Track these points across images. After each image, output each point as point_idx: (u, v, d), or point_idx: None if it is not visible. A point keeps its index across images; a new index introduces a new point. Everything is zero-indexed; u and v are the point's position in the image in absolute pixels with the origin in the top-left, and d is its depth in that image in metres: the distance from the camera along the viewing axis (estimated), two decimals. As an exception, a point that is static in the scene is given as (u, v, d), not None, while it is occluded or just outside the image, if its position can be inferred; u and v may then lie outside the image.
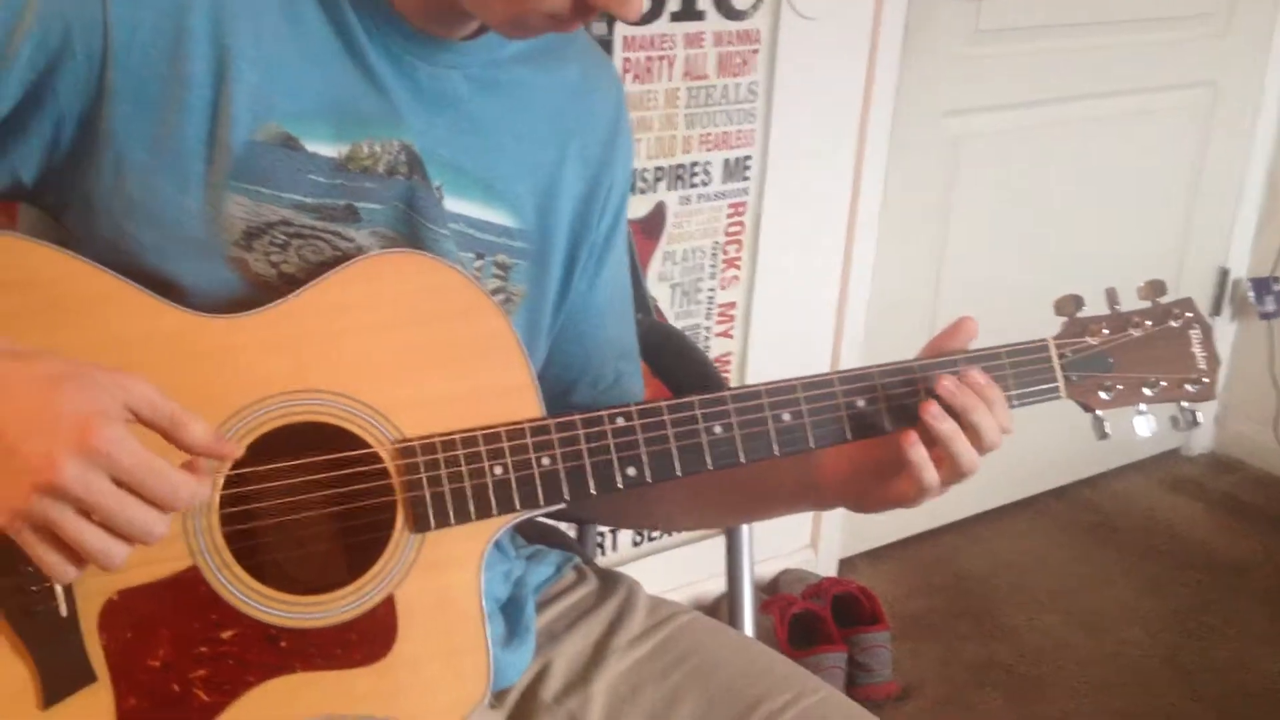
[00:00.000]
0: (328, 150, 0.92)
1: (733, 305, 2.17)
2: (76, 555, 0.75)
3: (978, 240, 2.50)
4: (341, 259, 0.92)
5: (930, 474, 0.94)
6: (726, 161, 2.06)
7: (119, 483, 0.74)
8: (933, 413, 0.94)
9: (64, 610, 0.83)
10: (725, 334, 2.18)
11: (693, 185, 2.04)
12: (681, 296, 2.10)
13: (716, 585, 2.20)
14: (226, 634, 0.87)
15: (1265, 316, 2.90)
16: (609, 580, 1.17)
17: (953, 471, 0.95)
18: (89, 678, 0.84)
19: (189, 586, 0.86)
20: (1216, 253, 2.94)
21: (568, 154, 1.04)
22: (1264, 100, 2.85)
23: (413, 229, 0.96)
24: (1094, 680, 2.28)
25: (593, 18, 0.90)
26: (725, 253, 2.12)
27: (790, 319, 2.24)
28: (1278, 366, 2.82)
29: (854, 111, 2.20)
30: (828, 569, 2.47)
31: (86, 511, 0.73)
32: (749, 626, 1.22)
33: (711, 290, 2.13)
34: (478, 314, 0.95)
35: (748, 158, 2.08)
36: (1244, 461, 3.08)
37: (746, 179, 2.10)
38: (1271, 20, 2.77)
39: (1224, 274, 2.96)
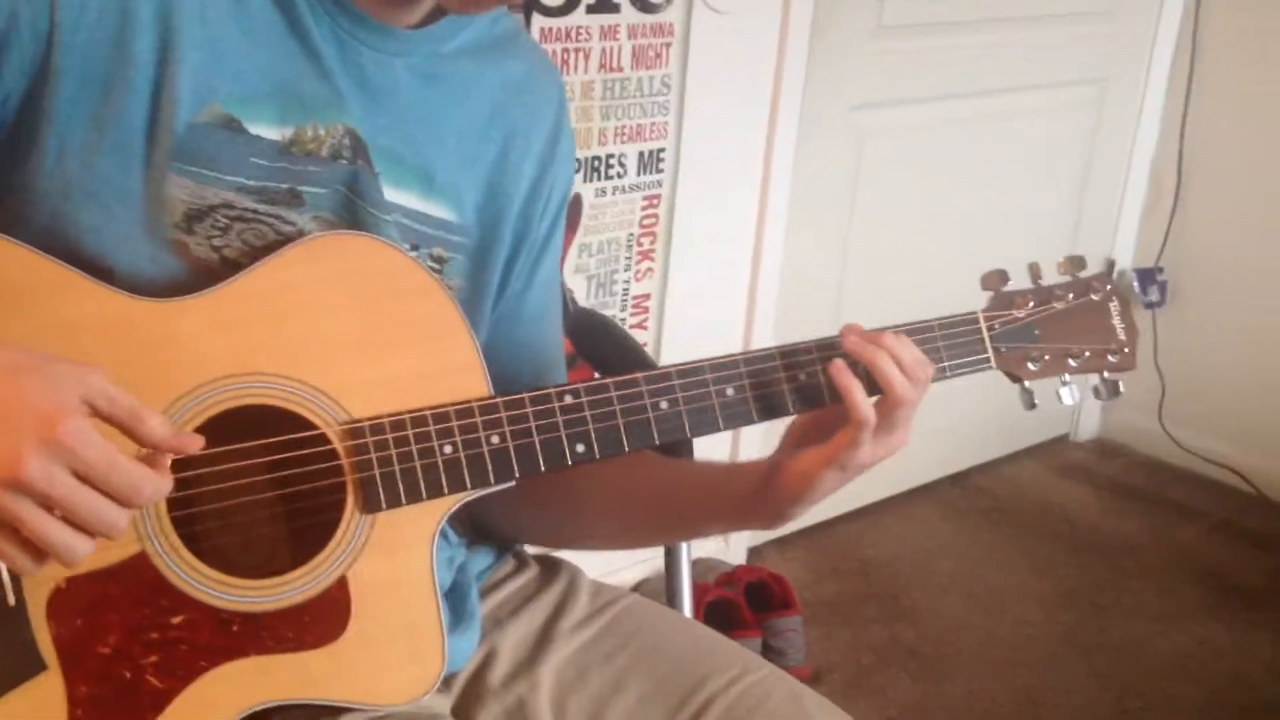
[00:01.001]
0: (271, 133, 0.92)
1: (647, 297, 2.19)
2: (37, 549, 0.74)
3: (881, 230, 2.56)
4: (283, 243, 0.92)
5: (863, 402, 0.94)
6: (641, 154, 2.08)
7: (81, 477, 0.73)
8: (851, 340, 0.97)
9: (11, 599, 0.81)
10: (640, 325, 2.20)
11: (608, 177, 2.05)
12: (597, 288, 2.11)
13: (638, 572, 2.22)
14: (177, 619, 0.86)
15: (1149, 306, 2.98)
16: (550, 566, 1.18)
17: (886, 405, 0.96)
18: (39, 666, 0.82)
19: (137, 572, 0.85)
20: (1104, 243, 3.04)
21: (511, 150, 1.04)
22: (1147, 97, 2.95)
23: (355, 214, 0.96)
24: (996, 660, 2.35)
25: None
26: (640, 244, 2.14)
27: (702, 309, 2.27)
28: (1161, 355, 2.92)
29: (764, 104, 2.23)
30: (738, 557, 2.51)
31: (49, 506, 0.73)
32: (688, 608, 1.24)
33: (626, 282, 2.15)
34: (423, 294, 0.94)
35: (662, 150, 2.10)
36: (1129, 447, 3.18)
37: (661, 171, 2.12)
38: (1155, 20, 2.88)
39: (1110, 265, 3.06)
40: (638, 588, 2.14)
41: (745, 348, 2.32)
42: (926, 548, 2.70)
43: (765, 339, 2.36)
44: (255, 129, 0.91)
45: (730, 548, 2.50)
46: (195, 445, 0.80)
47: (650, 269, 2.18)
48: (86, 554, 0.75)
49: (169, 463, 0.78)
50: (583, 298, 2.09)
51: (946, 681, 2.28)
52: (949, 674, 2.30)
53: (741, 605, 2.19)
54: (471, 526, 1.15)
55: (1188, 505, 2.93)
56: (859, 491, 2.75)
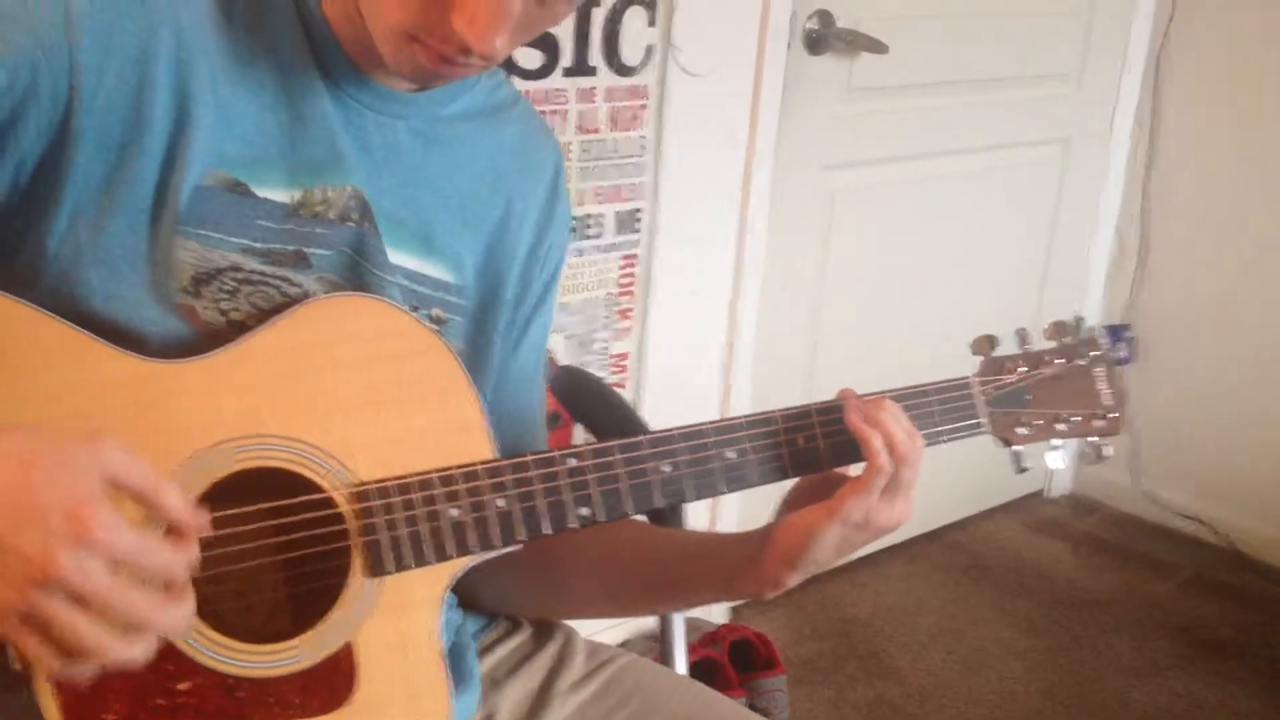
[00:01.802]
0: (279, 195, 0.92)
1: (625, 356, 2.19)
2: (67, 649, 0.71)
3: (854, 287, 2.59)
4: (290, 305, 0.92)
5: (882, 449, 0.95)
6: (619, 214, 2.10)
7: (115, 568, 0.71)
8: (850, 420, 0.97)
9: (17, 665, 0.79)
10: (619, 385, 2.20)
11: (587, 237, 2.06)
12: (577, 347, 2.11)
13: (620, 633, 2.20)
14: (183, 685, 0.85)
15: (1118, 363, 3.04)
16: (543, 626, 1.17)
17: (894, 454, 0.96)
18: (43, 737, 0.81)
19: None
20: (1072, 301, 3.08)
21: (511, 216, 1.05)
22: (1111, 156, 3.01)
23: (360, 275, 0.96)
24: (980, 717, 2.34)
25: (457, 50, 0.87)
26: (618, 304, 2.15)
27: (681, 367, 2.28)
28: (1130, 410, 2.95)
29: (738, 165, 2.26)
30: (720, 617, 2.50)
31: (82, 604, 0.70)
32: (682, 666, 1.23)
33: (605, 341, 2.15)
34: (428, 354, 0.95)
35: (639, 210, 2.12)
36: (1102, 502, 3.21)
37: (638, 231, 2.13)
38: (1117, 81, 2.94)
39: (1078, 321, 3.10)
40: (622, 646, 2.13)
41: (723, 404, 2.36)
42: (906, 605, 2.70)
43: (743, 395, 2.37)
44: (263, 192, 0.92)
45: (711, 608, 2.49)
46: (204, 521, 0.78)
47: (629, 328, 2.18)
48: (119, 652, 0.72)
49: (194, 535, 0.77)
50: (562, 357, 2.09)
51: (931, 739, 2.28)
52: (933, 732, 2.29)
53: (726, 665, 2.18)
54: (459, 596, 1.14)
55: (1161, 559, 2.96)
56: (836, 549, 2.75)
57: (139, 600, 0.71)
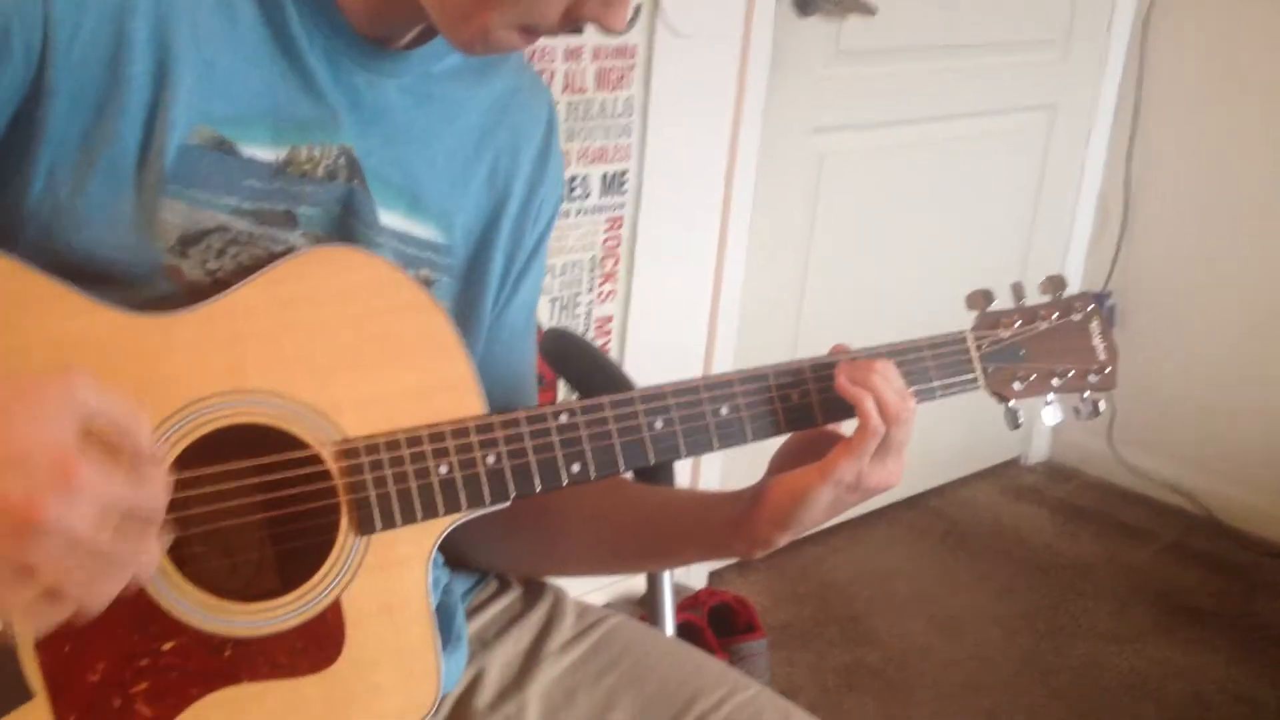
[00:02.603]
0: (266, 154, 0.90)
1: (610, 319, 2.18)
2: (54, 599, 0.68)
3: (840, 250, 2.58)
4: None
5: (874, 411, 0.94)
6: (604, 176, 2.07)
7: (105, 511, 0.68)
8: (840, 383, 0.96)
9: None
10: (603, 348, 2.18)
11: (572, 199, 2.04)
12: (560, 310, 2.10)
13: (602, 596, 2.19)
14: (168, 645, 0.83)
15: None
16: (533, 587, 1.16)
17: (884, 415, 0.95)
18: (25, 695, 0.79)
19: (127, 597, 0.82)
20: (1054, 266, 3.08)
21: (499, 171, 1.03)
22: (1095, 124, 3.00)
23: (350, 233, 0.94)
24: (958, 681, 2.35)
25: (565, 31, 0.89)
26: (603, 267, 2.13)
27: (665, 330, 2.26)
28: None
29: (725, 127, 2.24)
30: (699, 581, 2.50)
31: (70, 550, 0.67)
32: (670, 628, 1.23)
33: (589, 304, 2.14)
34: (417, 310, 0.93)
35: (624, 172, 2.10)
36: (1079, 469, 3.22)
37: (624, 193, 2.11)
38: (1104, 49, 2.93)
39: (1060, 281, 3.10)
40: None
41: (706, 368, 2.35)
42: (884, 571, 2.71)
43: (727, 359, 2.36)
44: (249, 150, 0.89)
45: (691, 572, 2.49)
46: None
47: (613, 291, 2.17)
48: (109, 599, 0.69)
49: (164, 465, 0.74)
50: (546, 319, 2.07)
51: (911, 704, 2.28)
52: (913, 696, 2.30)
53: (705, 629, 2.18)
54: (448, 554, 1.13)
55: (1138, 527, 2.97)
56: (816, 515, 2.75)
57: (124, 542, 0.68)
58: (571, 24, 0.87)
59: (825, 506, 0.97)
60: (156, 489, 0.71)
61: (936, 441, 2.90)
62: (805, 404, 1.00)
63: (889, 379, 0.96)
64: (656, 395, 0.96)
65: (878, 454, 0.95)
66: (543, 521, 1.08)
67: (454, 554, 1.12)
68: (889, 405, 0.94)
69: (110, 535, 0.68)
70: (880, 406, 0.94)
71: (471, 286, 1.02)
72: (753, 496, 0.99)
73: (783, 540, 0.99)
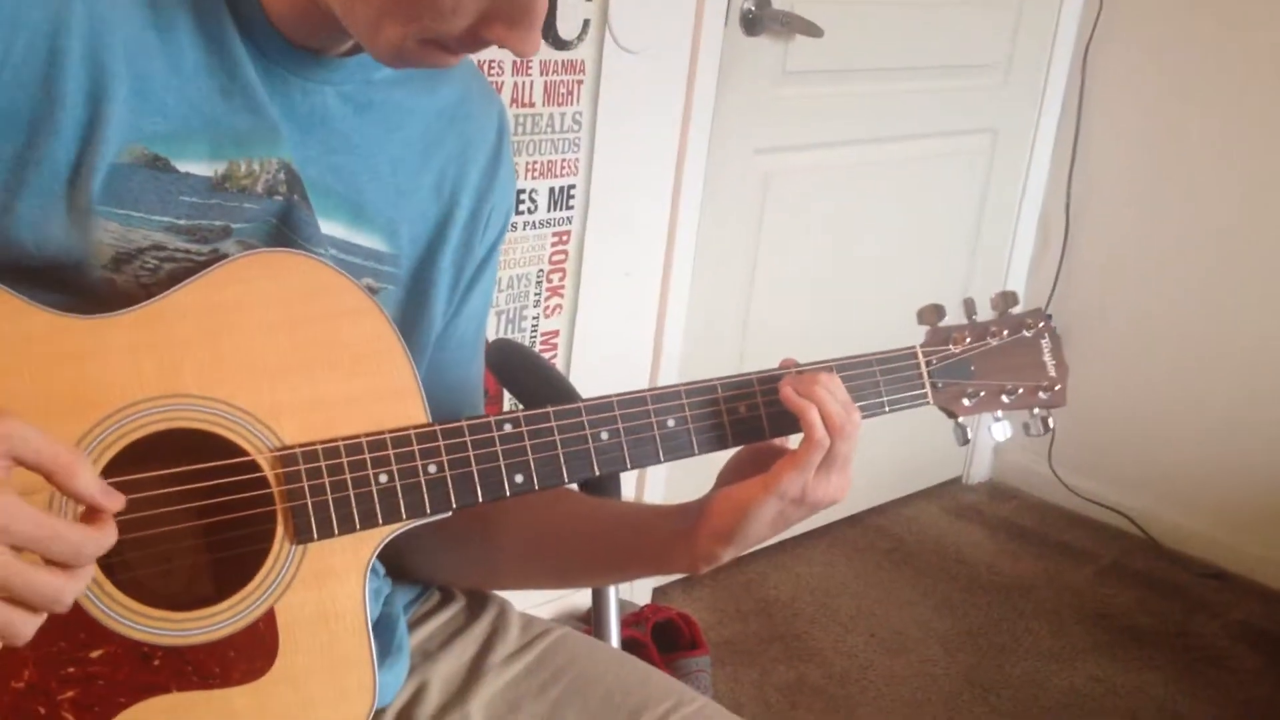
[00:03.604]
0: (202, 169, 0.88)
1: (555, 334, 2.17)
2: None
3: (786, 268, 2.58)
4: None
5: (819, 423, 0.93)
6: (552, 190, 2.07)
7: (16, 549, 0.68)
8: (784, 393, 0.96)
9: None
10: (549, 362, 2.17)
11: (519, 213, 2.03)
12: (506, 324, 2.08)
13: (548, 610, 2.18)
14: (95, 653, 0.81)
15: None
16: (476, 599, 1.15)
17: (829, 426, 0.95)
18: (-53, 703, 0.77)
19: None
20: (997, 287, 3.09)
21: (446, 180, 1.01)
22: (1037, 146, 3.04)
23: (285, 245, 0.92)
24: (901, 698, 2.36)
25: (478, 50, 0.87)
26: (549, 281, 2.12)
27: (611, 345, 2.25)
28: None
29: (672, 144, 2.24)
30: (643, 597, 2.49)
31: None
32: (615, 640, 1.22)
33: (535, 318, 2.13)
34: (360, 315, 0.91)
35: (572, 187, 2.09)
36: (1020, 490, 3.25)
37: (571, 208, 2.10)
38: (1044, 74, 2.97)
39: (1012, 296, 3.14)
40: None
41: (652, 383, 2.34)
42: (828, 588, 2.71)
43: (672, 374, 2.36)
44: (185, 166, 0.87)
45: (635, 588, 2.48)
46: (118, 504, 0.73)
47: (559, 305, 2.16)
48: (32, 632, 0.70)
49: (109, 516, 0.73)
50: (491, 333, 2.06)
51: (852, 721, 2.28)
52: (855, 713, 2.30)
53: (650, 645, 2.17)
54: (390, 565, 1.12)
55: (1078, 547, 3.00)
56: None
57: (37, 581, 0.68)
58: (478, 44, 0.85)
59: (769, 520, 0.96)
60: (93, 535, 0.71)
61: (879, 460, 2.91)
62: (753, 416, 1.00)
63: (834, 391, 0.96)
64: (602, 406, 0.96)
65: (822, 467, 0.95)
66: (485, 533, 1.07)
67: (396, 565, 1.10)
68: (833, 417, 0.94)
69: (23, 575, 0.67)
70: (825, 418, 0.94)
71: (418, 296, 1.01)
72: (697, 510, 0.99)
73: (727, 555, 0.98)
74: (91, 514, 0.72)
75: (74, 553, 0.70)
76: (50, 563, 0.70)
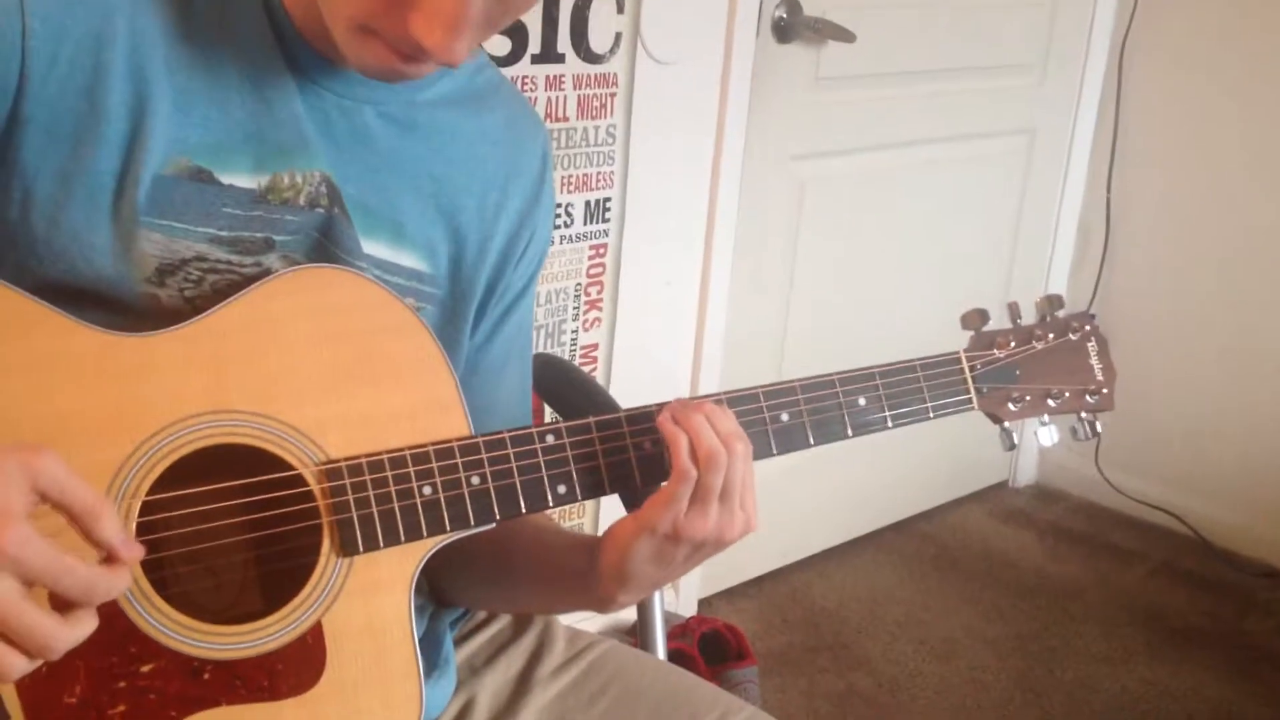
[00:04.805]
0: (246, 182, 0.89)
1: (595, 346, 2.17)
2: None
3: (823, 276, 2.58)
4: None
5: (684, 453, 0.88)
6: (588, 203, 2.07)
7: (29, 583, 0.67)
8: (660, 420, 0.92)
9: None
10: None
11: (556, 227, 2.04)
12: (545, 338, 2.09)
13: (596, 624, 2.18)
14: (146, 667, 0.82)
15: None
16: (522, 615, 1.15)
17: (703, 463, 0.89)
18: (1, 717, 0.78)
19: (106, 618, 0.80)
20: (1037, 290, 3.09)
21: (488, 204, 1.01)
22: (1075, 147, 3.02)
23: (328, 259, 0.93)
24: (951, 705, 2.34)
25: (417, 53, 0.83)
26: (587, 294, 2.13)
27: (651, 357, 2.26)
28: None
29: (707, 154, 2.24)
30: (688, 609, 2.48)
31: None
32: (661, 652, 1.21)
33: (574, 332, 2.13)
34: (403, 331, 0.92)
35: (608, 199, 2.10)
36: (1067, 492, 3.22)
37: (607, 220, 2.11)
38: (1080, 74, 2.95)
39: (1060, 300, 3.11)
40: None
41: (693, 394, 2.34)
42: (874, 596, 2.70)
43: (712, 384, 2.36)
44: (228, 178, 0.88)
45: (680, 600, 2.48)
46: (137, 556, 0.73)
47: (598, 318, 2.16)
48: (21, 672, 0.69)
49: (128, 564, 0.73)
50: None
51: (903, 729, 2.27)
52: (905, 722, 2.29)
53: (696, 657, 2.16)
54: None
55: (1127, 548, 2.97)
56: (803, 542, 2.75)
57: (42, 623, 0.68)
58: (408, 40, 0.80)
59: (649, 558, 0.91)
60: (108, 579, 0.70)
61: (923, 465, 2.90)
62: (799, 424, 0.99)
63: (715, 421, 0.90)
64: (643, 416, 0.96)
65: (694, 502, 0.89)
66: (495, 552, 1.04)
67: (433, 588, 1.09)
68: (701, 448, 0.88)
69: (30, 614, 0.67)
70: (693, 449, 0.89)
71: (453, 317, 1.01)
72: (594, 549, 0.95)
73: (624, 597, 0.94)
74: (109, 560, 0.71)
75: (85, 589, 0.69)
76: (56, 603, 0.69)
